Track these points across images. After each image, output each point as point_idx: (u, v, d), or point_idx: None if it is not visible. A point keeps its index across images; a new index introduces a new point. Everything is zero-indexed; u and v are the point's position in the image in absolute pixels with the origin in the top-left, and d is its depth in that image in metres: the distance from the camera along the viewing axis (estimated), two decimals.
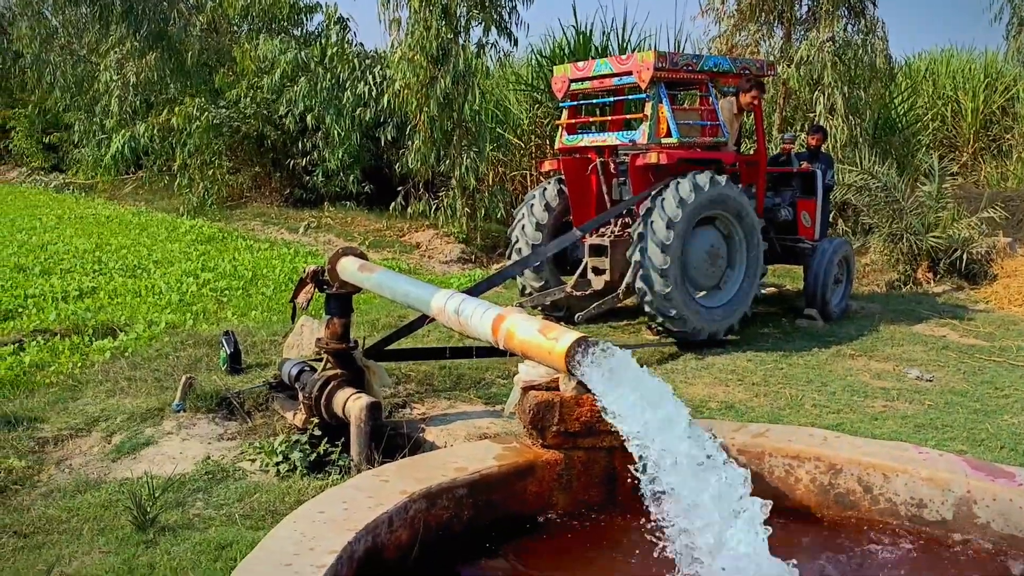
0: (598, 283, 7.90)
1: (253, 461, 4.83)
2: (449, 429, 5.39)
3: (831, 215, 10.20)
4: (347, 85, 14.42)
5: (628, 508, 3.09)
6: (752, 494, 2.70)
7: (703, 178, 7.28)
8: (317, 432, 5.02)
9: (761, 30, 11.99)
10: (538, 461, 3.06)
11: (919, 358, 7.23)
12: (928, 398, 6.12)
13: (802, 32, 11.88)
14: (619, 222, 8.07)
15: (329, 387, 5.18)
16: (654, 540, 2.81)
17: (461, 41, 12.92)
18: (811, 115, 11.70)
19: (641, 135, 7.48)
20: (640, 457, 2.55)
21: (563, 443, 3.08)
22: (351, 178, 15.45)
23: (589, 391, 3.01)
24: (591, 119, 8.30)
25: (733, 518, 2.42)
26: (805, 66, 11.29)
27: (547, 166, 8.48)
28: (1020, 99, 18.45)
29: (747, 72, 8.09)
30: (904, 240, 10.33)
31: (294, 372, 5.51)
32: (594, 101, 8.52)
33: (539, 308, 8.33)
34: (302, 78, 14.67)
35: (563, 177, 8.33)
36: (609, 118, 8.27)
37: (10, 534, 3.87)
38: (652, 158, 7.32)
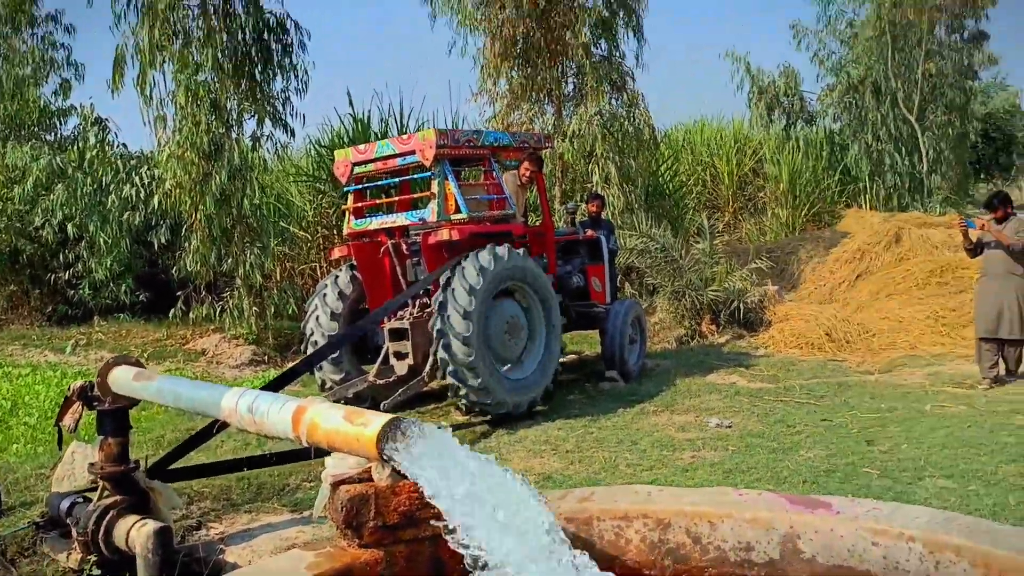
0: (401, 368, 7.65)
1: None
2: (253, 545, 4.89)
3: (618, 278, 10.57)
4: (111, 189, 13.48)
5: None
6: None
7: (502, 250, 7.29)
8: (96, 572, 4.37)
9: (533, 108, 12.46)
10: (356, 564, 2.74)
11: (716, 406, 7.50)
12: (730, 443, 6.30)
13: (571, 108, 12.46)
14: (417, 303, 7.90)
15: (108, 517, 4.54)
16: None
17: (234, 135, 12.47)
18: (588, 185, 12.21)
19: (431, 213, 7.41)
20: (465, 545, 2.31)
21: (382, 539, 2.79)
22: (123, 288, 14.31)
23: (406, 477, 2.76)
24: (378, 201, 8.14)
25: None
26: (578, 139, 11.82)
27: (337, 253, 8.21)
28: (767, 160, 20.34)
29: (526, 146, 8.28)
30: (686, 296, 10.86)
31: (65, 506, 4.81)
32: (379, 183, 8.39)
33: (342, 402, 7.93)
34: (59, 185, 13.58)
35: (355, 263, 8.10)
36: (396, 199, 8.15)
37: None
38: (444, 235, 7.25)
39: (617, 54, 12.46)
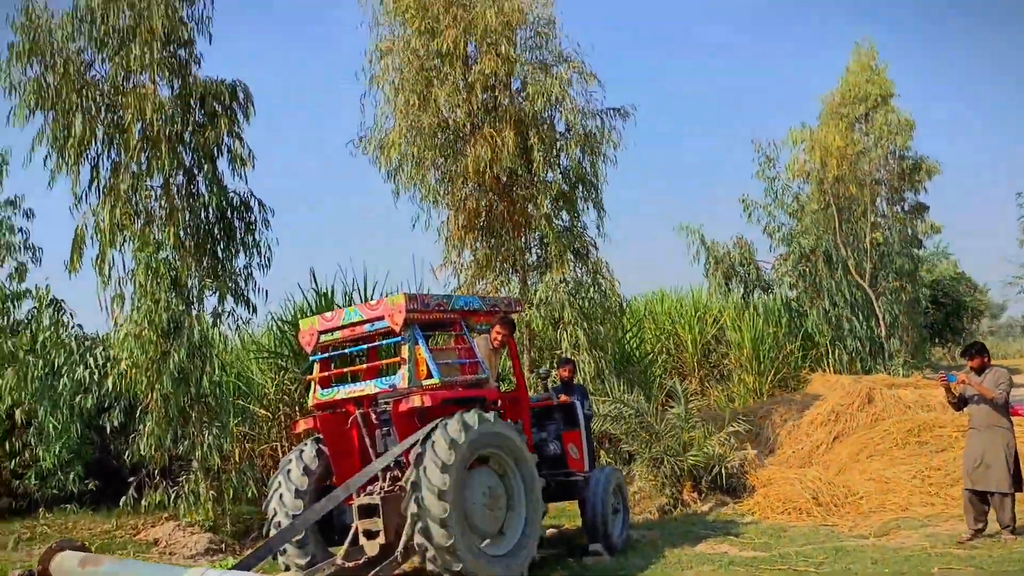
0: (372, 548, 7.11)
1: None
2: None
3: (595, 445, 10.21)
4: (63, 371, 12.99)
5: None
6: None
7: (471, 416, 6.95)
8: None
9: (499, 278, 12.46)
10: None
11: None
12: None
13: (537, 276, 12.48)
14: (388, 476, 7.46)
15: None
16: None
17: (195, 311, 12.23)
18: (557, 352, 12.05)
19: (401, 379, 7.14)
20: None
21: None
22: (71, 476, 13.49)
23: None
24: (345, 370, 7.87)
25: None
26: (545, 306, 11.76)
27: (302, 426, 7.81)
28: (728, 328, 20.54)
29: (497, 310, 8.15)
30: (665, 463, 10.50)
31: None
32: (347, 351, 8.12)
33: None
34: (8, 370, 13.06)
35: (320, 436, 7.71)
36: (364, 367, 7.88)
37: None
38: (416, 401, 6.94)
39: (579, 225, 12.65)
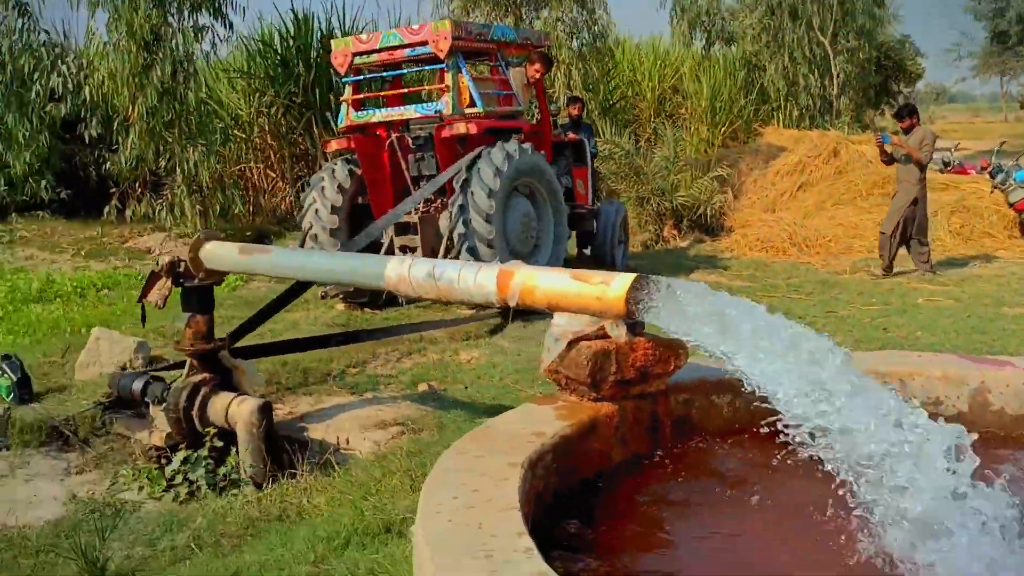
0: None
1: (140, 490, 4.02)
2: (333, 424, 4.88)
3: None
4: (35, 79, 12.49)
5: (673, 457, 2.97)
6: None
7: (512, 147, 7.26)
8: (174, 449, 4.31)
9: (494, 11, 12.23)
10: (599, 416, 2.81)
11: None
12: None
13: (533, 13, 12.29)
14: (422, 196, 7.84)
15: (201, 394, 4.45)
16: (718, 487, 2.73)
17: (175, 24, 11.75)
18: (550, 91, 12.16)
19: (445, 106, 7.28)
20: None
21: (616, 393, 2.86)
22: (42, 184, 13.41)
23: (641, 335, 2.85)
24: (388, 92, 7.91)
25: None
26: None
27: (335, 146, 7.98)
28: (687, 78, 20.71)
29: (529, 43, 8.19)
30: (651, 201, 11.11)
31: (138, 386, 4.67)
32: (384, 75, 8.10)
33: (339, 297, 7.85)
34: None
35: (350, 157, 7.92)
36: (405, 91, 7.95)
37: None
38: (460, 128, 7.16)
39: None
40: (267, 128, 14.28)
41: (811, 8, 21.30)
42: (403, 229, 7.58)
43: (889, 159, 9.04)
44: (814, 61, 21.59)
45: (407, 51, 7.43)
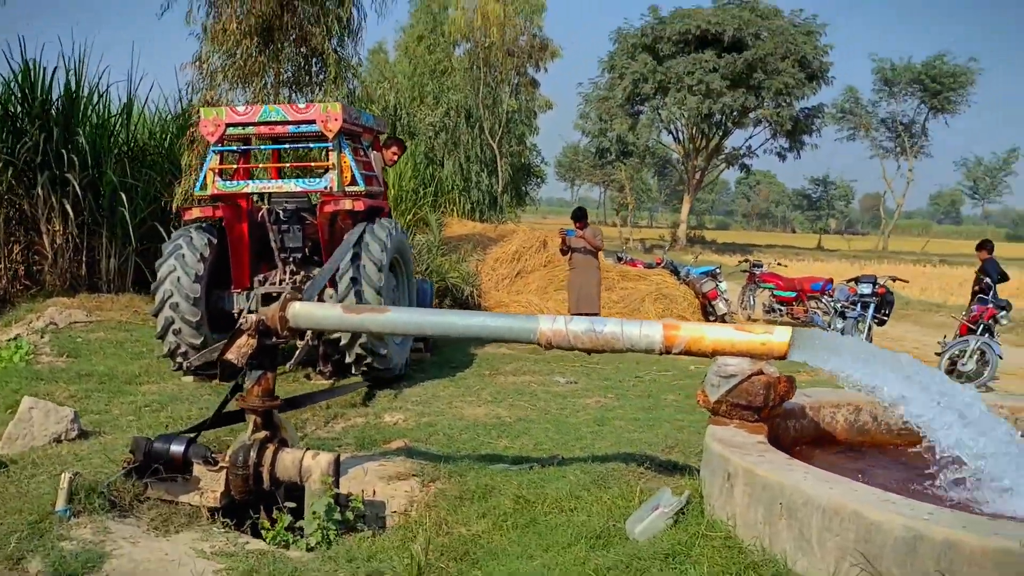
0: None
1: (279, 545, 4.12)
2: (351, 477, 5.21)
3: None
4: None
5: (794, 453, 4.13)
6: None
7: (390, 223, 7.93)
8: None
9: (264, 90, 12.47)
10: (766, 432, 3.87)
11: (540, 369, 9.04)
12: (594, 383, 7.93)
13: (300, 94, 12.75)
14: (287, 269, 8.09)
15: (270, 450, 4.61)
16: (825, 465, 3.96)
17: None
18: None
19: (330, 183, 7.73)
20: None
21: (767, 416, 3.93)
22: None
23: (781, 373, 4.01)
24: (268, 165, 8.04)
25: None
26: None
27: (197, 213, 7.90)
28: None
29: (381, 129, 8.91)
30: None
31: (178, 448, 4.64)
32: (264, 147, 8.21)
33: (189, 368, 7.74)
34: None
35: (204, 225, 7.98)
36: (288, 164, 8.16)
37: None
38: (348, 204, 7.66)
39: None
40: None
41: (484, 113, 24.06)
42: (272, 300, 7.75)
43: (567, 249, 11.13)
44: (484, 161, 24.29)
45: (291, 127, 7.76)
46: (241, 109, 7.88)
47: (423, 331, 4.62)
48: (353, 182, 7.87)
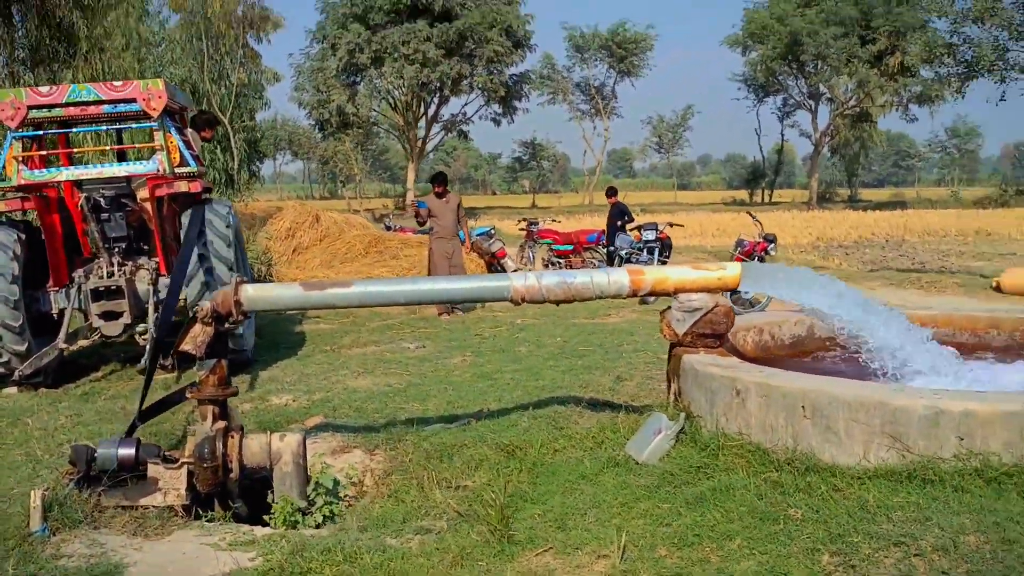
0: (113, 329, 7.24)
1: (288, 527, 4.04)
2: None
3: None
4: None
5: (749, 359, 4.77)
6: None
7: (227, 202, 7.63)
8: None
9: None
10: (730, 356, 4.49)
11: (379, 338, 9.14)
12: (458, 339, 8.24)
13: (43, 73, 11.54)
14: (112, 260, 7.46)
15: (232, 439, 4.46)
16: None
17: None
18: None
19: (159, 165, 7.24)
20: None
21: (723, 342, 4.56)
22: None
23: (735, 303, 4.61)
24: (83, 150, 7.24)
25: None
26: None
27: (2, 207, 7.04)
28: None
29: (190, 106, 8.41)
30: None
31: (127, 452, 4.36)
32: (78, 130, 7.36)
33: (18, 378, 7.02)
34: None
35: (11, 220, 7.20)
36: (110, 148, 7.42)
37: None
38: (183, 187, 7.24)
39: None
40: None
41: (211, 88, 22.79)
42: (106, 295, 7.18)
43: (423, 220, 11.34)
44: (217, 139, 23.06)
45: (106, 107, 7.13)
46: (44, 89, 7.12)
47: (395, 301, 4.67)
48: (183, 163, 7.43)
